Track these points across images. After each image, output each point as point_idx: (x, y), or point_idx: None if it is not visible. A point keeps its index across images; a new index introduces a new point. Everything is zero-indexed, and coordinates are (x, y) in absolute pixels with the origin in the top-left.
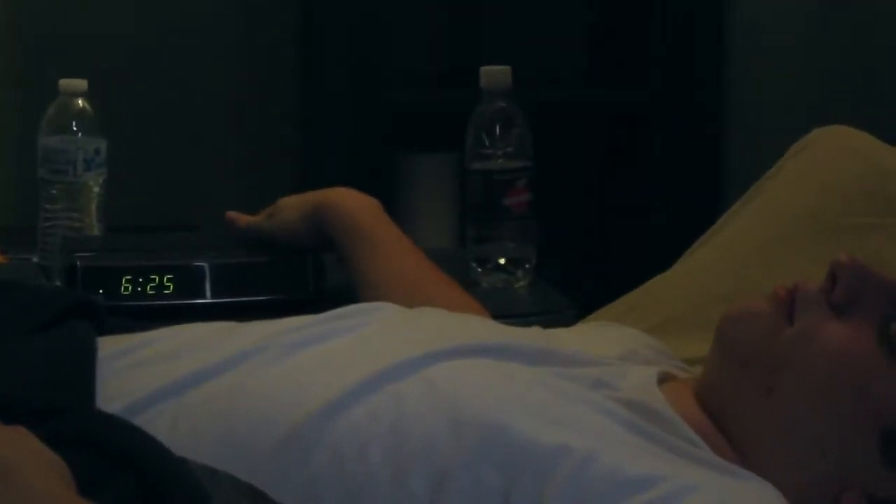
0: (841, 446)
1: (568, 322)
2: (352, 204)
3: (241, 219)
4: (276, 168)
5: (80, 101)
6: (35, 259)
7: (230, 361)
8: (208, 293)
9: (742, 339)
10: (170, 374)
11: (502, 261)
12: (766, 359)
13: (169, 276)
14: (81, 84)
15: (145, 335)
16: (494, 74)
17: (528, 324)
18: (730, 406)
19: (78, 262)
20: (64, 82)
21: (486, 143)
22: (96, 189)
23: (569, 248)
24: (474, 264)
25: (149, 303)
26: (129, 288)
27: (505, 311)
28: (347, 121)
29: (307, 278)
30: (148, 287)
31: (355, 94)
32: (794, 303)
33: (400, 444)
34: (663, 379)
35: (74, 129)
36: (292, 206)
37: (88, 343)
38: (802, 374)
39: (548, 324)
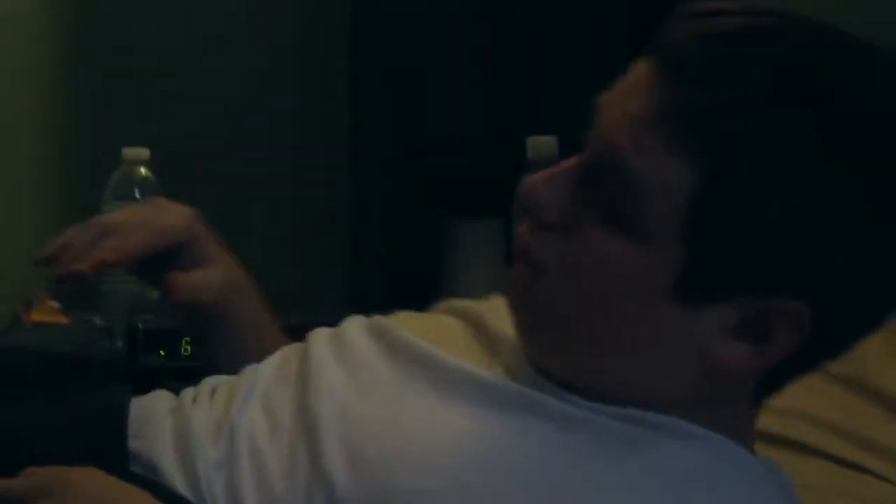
0: (648, 331)
1: None
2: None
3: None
4: (325, 234)
5: (142, 170)
6: (98, 320)
7: None
8: None
9: (529, 317)
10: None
11: None
12: (544, 311)
13: None
14: (144, 153)
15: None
16: (541, 144)
17: None
18: (568, 366)
19: (140, 324)
20: (127, 151)
21: None
22: None
23: None
24: None
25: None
26: (189, 349)
27: None
28: (393, 187)
29: None
30: None
31: (401, 162)
32: (523, 251)
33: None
34: None
35: (137, 196)
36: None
37: (121, 408)
38: (571, 298)
39: None
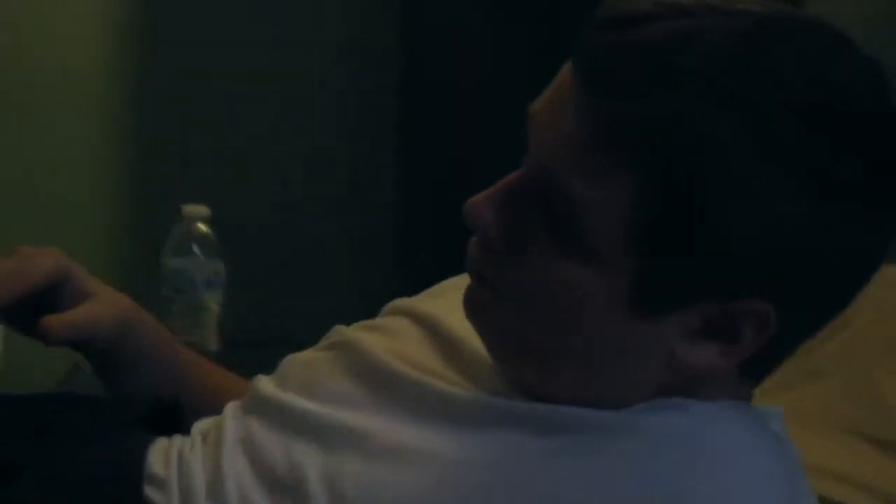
0: (610, 337)
1: None
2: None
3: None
4: (374, 281)
5: (201, 226)
6: None
7: None
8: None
9: (492, 338)
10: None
11: None
12: (504, 335)
13: None
14: (203, 210)
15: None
16: None
17: None
18: (538, 383)
19: None
20: (188, 208)
21: None
22: (215, 307)
23: None
24: None
25: None
26: None
27: None
28: (442, 224)
29: None
30: None
31: (449, 197)
32: (476, 271)
33: None
34: None
35: (196, 251)
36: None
37: (139, 459)
38: (527, 322)
39: None
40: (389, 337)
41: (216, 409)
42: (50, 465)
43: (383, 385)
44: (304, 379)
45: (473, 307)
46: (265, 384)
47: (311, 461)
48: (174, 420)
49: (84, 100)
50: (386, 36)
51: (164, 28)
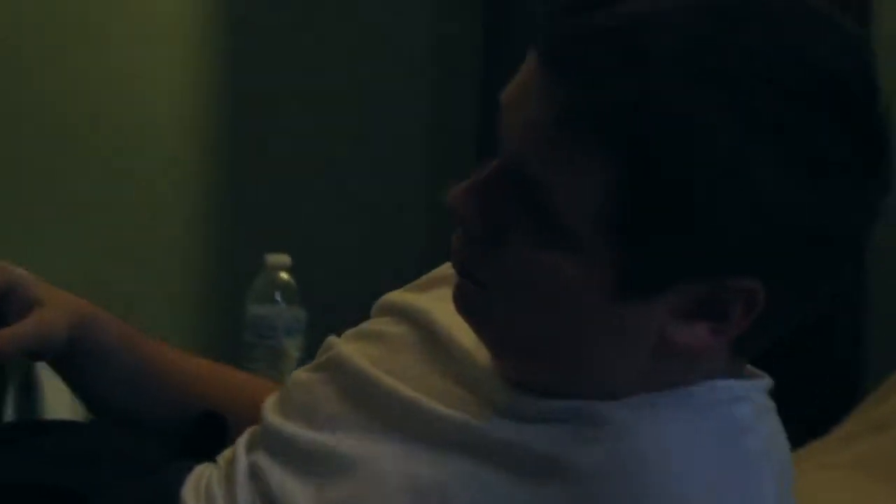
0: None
1: None
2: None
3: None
4: None
5: (283, 275)
6: None
7: None
8: None
9: (485, 333)
10: None
11: None
12: (496, 329)
13: None
14: (285, 259)
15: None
16: None
17: None
18: (535, 376)
19: None
20: (270, 257)
21: None
22: (296, 354)
23: None
24: None
25: None
26: None
27: None
28: None
29: None
30: None
31: None
32: (461, 264)
33: None
34: None
35: (278, 300)
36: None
37: (173, 495)
38: (515, 314)
39: None
40: (381, 347)
41: (195, 397)
42: (101, 496)
43: (374, 406)
44: (302, 404)
45: (463, 303)
46: (270, 410)
47: (305, 490)
48: (219, 436)
49: (169, 152)
50: (467, 87)
51: (243, 82)
